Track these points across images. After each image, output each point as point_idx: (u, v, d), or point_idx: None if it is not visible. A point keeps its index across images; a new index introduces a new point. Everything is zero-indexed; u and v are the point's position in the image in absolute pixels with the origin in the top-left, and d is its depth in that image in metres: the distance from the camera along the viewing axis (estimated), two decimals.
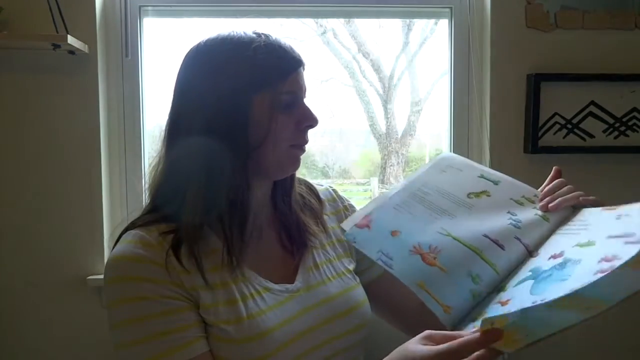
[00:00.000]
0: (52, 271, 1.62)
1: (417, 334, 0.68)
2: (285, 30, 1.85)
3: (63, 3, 1.52)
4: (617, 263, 0.58)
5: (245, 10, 1.72)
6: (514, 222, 0.79)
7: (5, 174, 1.61)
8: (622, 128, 1.70)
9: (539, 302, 0.60)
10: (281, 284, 0.89)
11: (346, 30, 1.92)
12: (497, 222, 0.80)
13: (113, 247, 0.85)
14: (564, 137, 1.69)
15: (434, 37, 1.88)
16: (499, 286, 0.72)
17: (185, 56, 0.90)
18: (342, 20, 1.89)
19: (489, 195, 0.84)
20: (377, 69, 1.95)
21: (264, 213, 0.94)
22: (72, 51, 1.55)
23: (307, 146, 0.90)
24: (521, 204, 0.84)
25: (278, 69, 0.84)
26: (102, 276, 1.41)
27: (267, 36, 0.86)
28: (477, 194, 0.85)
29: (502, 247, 0.76)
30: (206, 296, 0.81)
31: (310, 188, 1.04)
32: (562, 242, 0.74)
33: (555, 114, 1.68)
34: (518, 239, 0.77)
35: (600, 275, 0.58)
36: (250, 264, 0.88)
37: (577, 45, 1.68)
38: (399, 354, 0.68)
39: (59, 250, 1.62)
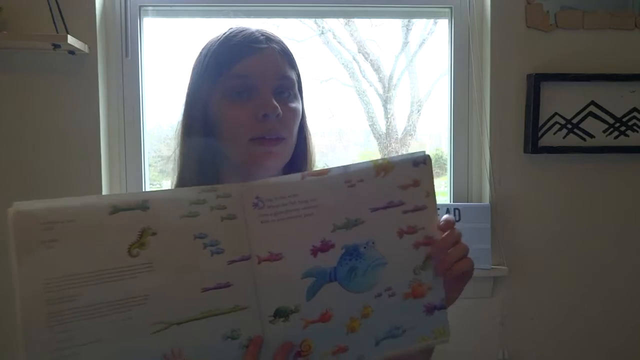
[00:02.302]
0: None
1: None
2: (284, 31, 1.85)
3: (63, 3, 1.52)
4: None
5: (245, 10, 1.72)
6: (214, 249, 0.61)
7: (5, 173, 1.61)
8: (622, 128, 1.70)
9: (384, 293, 0.66)
10: None
11: (346, 30, 1.92)
12: (198, 262, 0.60)
13: None
14: (564, 137, 1.69)
15: (434, 37, 1.88)
16: (270, 311, 0.63)
17: None
18: (341, 20, 1.88)
19: (155, 234, 0.58)
20: (377, 69, 1.95)
21: None
22: (72, 51, 1.55)
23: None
24: (196, 214, 0.61)
25: (227, 56, 0.79)
26: None
27: (227, 31, 0.83)
28: (140, 242, 0.58)
29: (227, 285, 0.61)
30: None
31: None
32: (294, 228, 0.64)
33: (555, 114, 1.68)
34: (232, 261, 0.61)
35: (420, 247, 0.68)
36: None
37: (577, 45, 1.68)
38: None
39: None
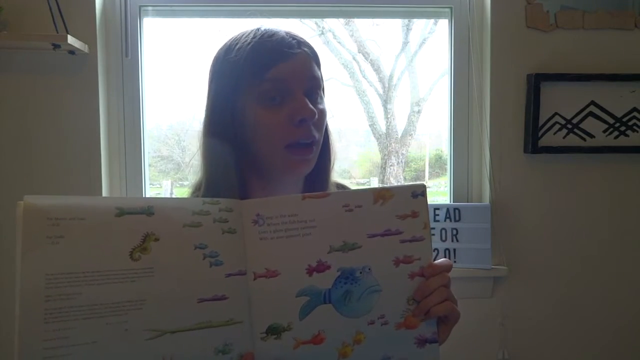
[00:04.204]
0: None
1: None
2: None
3: (63, 3, 1.52)
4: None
5: (245, 10, 1.72)
6: (212, 261, 0.61)
7: (5, 173, 1.61)
8: (622, 128, 1.70)
9: (377, 321, 0.67)
10: None
11: (346, 30, 1.92)
12: (197, 272, 0.61)
13: None
14: (564, 137, 1.69)
15: (434, 37, 1.88)
16: (262, 328, 0.64)
17: None
18: (341, 20, 1.88)
19: (157, 239, 0.59)
20: (377, 69, 1.95)
21: None
22: (72, 51, 1.55)
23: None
24: (198, 224, 0.61)
25: (262, 61, 0.77)
26: None
27: (256, 32, 0.81)
28: (143, 247, 0.58)
29: (223, 297, 0.61)
30: None
31: None
32: (292, 247, 0.65)
33: (555, 114, 1.68)
34: (230, 274, 0.62)
35: (415, 278, 0.69)
36: None
37: (577, 45, 1.68)
38: None
39: None
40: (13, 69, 1.59)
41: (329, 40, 1.91)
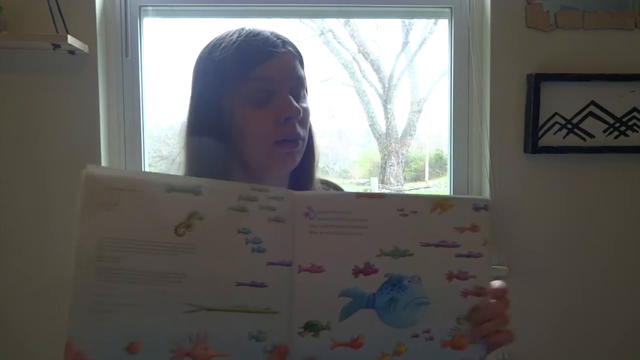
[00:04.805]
0: (52, 271, 1.62)
1: None
2: (284, 31, 1.85)
3: (63, 3, 1.52)
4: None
5: (245, 10, 1.72)
6: (255, 247, 0.62)
7: (4, 173, 1.61)
8: (622, 128, 1.70)
9: (422, 335, 0.64)
10: None
11: (346, 30, 1.92)
12: (238, 256, 0.62)
13: None
14: (564, 137, 1.69)
15: (434, 37, 1.88)
16: (301, 323, 0.63)
17: None
18: (341, 20, 1.88)
19: (201, 218, 0.61)
20: (377, 69, 1.95)
21: None
22: (72, 51, 1.55)
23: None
24: (244, 209, 0.63)
25: (248, 60, 0.78)
26: None
27: (241, 32, 0.82)
28: (187, 224, 0.61)
29: (262, 284, 0.62)
30: None
31: (337, 188, 1.01)
32: (341, 245, 0.64)
33: (555, 114, 1.68)
34: (272, 263, 0.62)
35: (469, 296, 0.65)
36: None
37: (577, 45, 1.68)
38: None
39: (57, 250, 1.62)
40: (13, 69, 1.59)
41: (329, 40, 1.91)
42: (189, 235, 0.60)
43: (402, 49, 1.93)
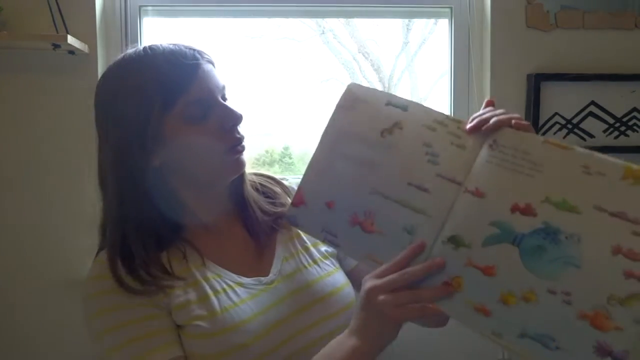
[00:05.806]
0: (50, 271, 1.62)
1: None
2: (284, 31, 1.85)
3: (63, 3, 1.52)
4: None
5: (245, 10, 1.72)
6: (431, 159, 0.73)
7: (4, 173, 1.61)
8: (622, 128, 1.70)
9: (559, 294, 0.61)
10: (255, 277, 0.89)
11: (346, 30, 1.92)
12: (415, 162, 0.74)
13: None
14: (564, 137, 1.69)
15: (434, 37, 1.88)
16: (448, 233, 0.68)
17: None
18: (342, 20, 1.88)
19: (401, 128, 0.76)
20: (377, 69, 1.95)
21: (223, 213, 0.93)
22: (72, 51, 1.55)
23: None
24: (434, 129, 0.75)
25: (173, 88, 0.79)
26: None
27: (150, 56, 0.82)
28: (390, 130, 0.76)
29: (426, 190, 0.72)
30: (179, 296, 0.82)
31: (272, 178, 1.03)
32: (509, 180, 0.67)
33: (556, 114, 1.68)
34: (440, 176, 0.72)
35: (631, 279, 0.58)
36: (220, 261, 0.89)
37: (577, 45, 1.68)
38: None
39: (56, 250, 1.62)
40: (13, 69, 1.59)
41: (329, 40, 1.91)
42: (389, 138, 0.77)
43: (402, 49, 1.93)
